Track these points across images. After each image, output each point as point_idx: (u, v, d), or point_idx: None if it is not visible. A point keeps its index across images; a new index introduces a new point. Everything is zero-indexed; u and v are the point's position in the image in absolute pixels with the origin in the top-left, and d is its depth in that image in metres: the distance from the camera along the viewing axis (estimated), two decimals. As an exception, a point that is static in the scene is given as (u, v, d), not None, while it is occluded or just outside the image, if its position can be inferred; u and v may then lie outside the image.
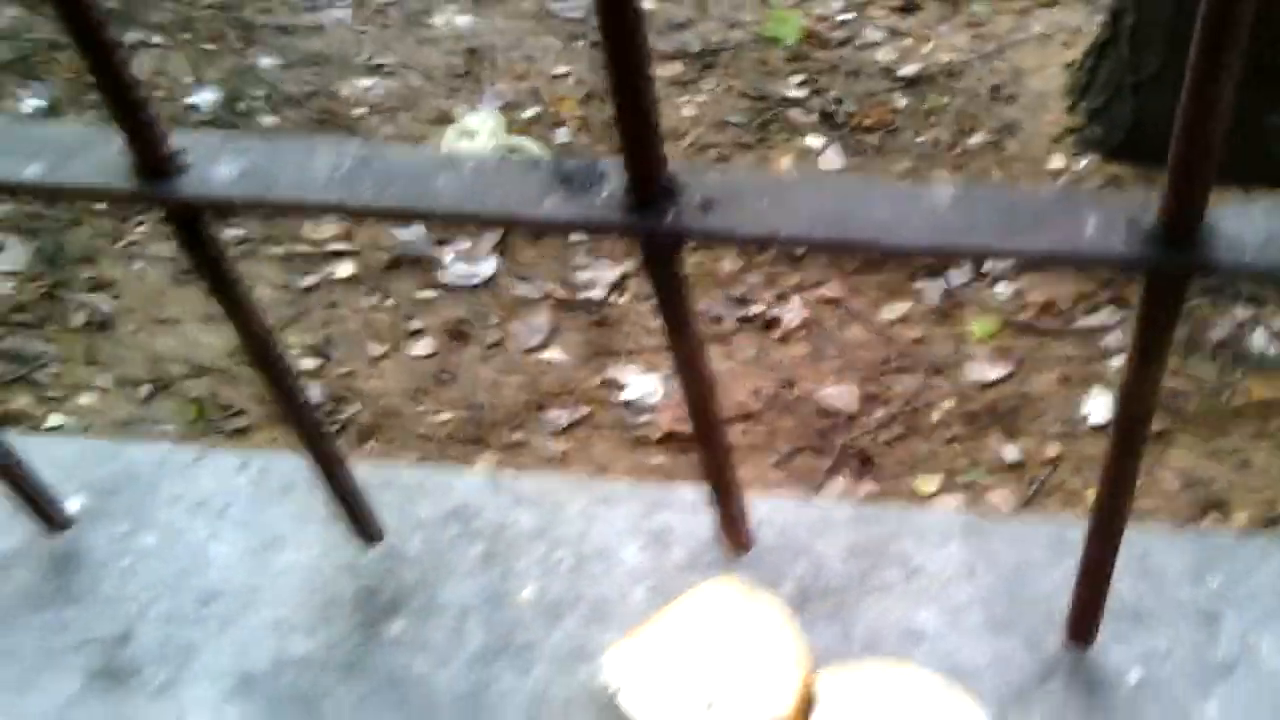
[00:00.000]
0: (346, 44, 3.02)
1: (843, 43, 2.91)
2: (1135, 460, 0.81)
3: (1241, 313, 2.47)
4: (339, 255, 2.67)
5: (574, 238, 2.68)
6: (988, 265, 2.57)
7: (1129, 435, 0.79)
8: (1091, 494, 0.89)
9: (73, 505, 1.10)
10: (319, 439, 0.95)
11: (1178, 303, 0.71)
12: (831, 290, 2.57)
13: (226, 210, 0.75)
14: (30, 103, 2.89)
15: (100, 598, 1.05)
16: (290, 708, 0.98)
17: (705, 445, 0.88)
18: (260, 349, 0.85)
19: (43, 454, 1.05)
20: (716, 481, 0.92)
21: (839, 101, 2.76)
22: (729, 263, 2.59)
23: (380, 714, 0.97)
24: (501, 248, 2.65)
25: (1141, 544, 1.03)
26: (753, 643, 0.97)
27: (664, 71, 2.86)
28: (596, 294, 2.62)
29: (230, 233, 2.61)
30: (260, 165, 0.75)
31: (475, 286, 2.62)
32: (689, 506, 1.08)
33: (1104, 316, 2.52)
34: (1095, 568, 0.91)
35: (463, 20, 3.05)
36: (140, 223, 2.70)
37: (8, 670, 1.00)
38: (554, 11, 3.08)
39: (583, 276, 2.64)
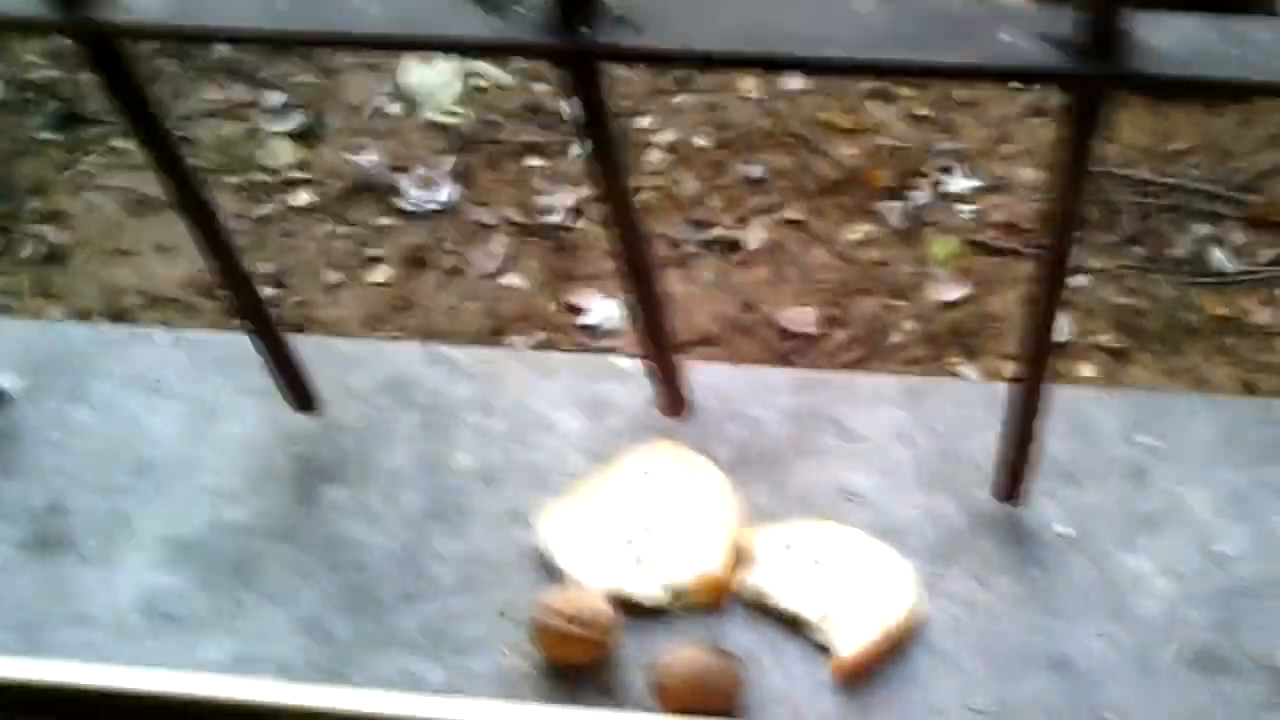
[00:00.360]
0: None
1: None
2: (1056, 297, 0.81)
3: (1200, 229, 2.48)
4: (296, 184, 2.65)
5: (532, 161, 2.66)
6: (951, 185, 2.57)
7: (1053, 267, 0.79)
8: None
9: (5, 382, 1.09)
10: (254, 304, 0.95)
11: (1099, 116, 0.71)
12: (793, 212, 2.57)
13: (145, 35, 0.74)
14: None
15: (32, 471, 1.04)
16: (225, 572, 0.98)
17: (637, 293, 0.88)
18: (188, 195, 0.85)
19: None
20: (649, 334, 0.92)
21: (800, 24, 2.76)
22: (689, 185, 2.59)
23: (315, 576, 0.97)
24: (460, 174, 2.63)
25: (1074, 405, 1.04)
26: (685, 503, 0.98)
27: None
28: (555, 218, 2.60)
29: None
30: (175, -6, 0.74)
31: (433, 213, 2.61)
32: (627, 376, 1.08)
33: (1063, 236, 2.53)
34: (1021, 422, 0.91)
35: (420, -54, 3.03)
36: (90, 152, 2.67)
37: (-60, 540, 1.00)
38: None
39: (542, 201, 2.62)
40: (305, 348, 1.04)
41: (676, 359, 0.97)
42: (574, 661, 0.91)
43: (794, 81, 2.76)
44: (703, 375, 1.06)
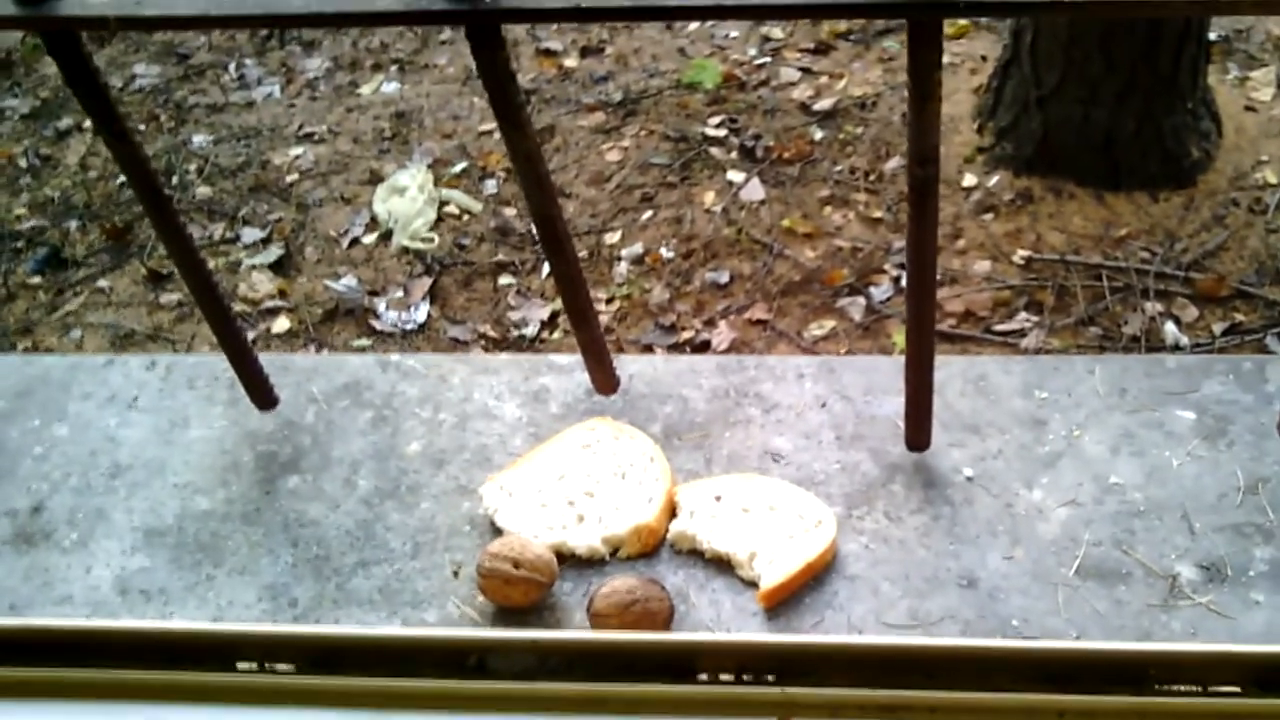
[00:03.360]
0: (278, 117, 3.15)
1: (760, 84, 3.05)
2: (932, 230, 0.91)
3: (1151, 307, 2.58)
4: (276, 312, 2.75)
5: (504, 279, 2.77)
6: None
7: (923, 195, 0.88)
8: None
9: (-8, 407, 1.17)
10: (222, 318, 1.04)
11: (937, 42, 0.81)
12: (758, 313, 2.67)
13: (100, 25, 0.85)
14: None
15: (14, 479, 1.12)
16: (193, 553, 1.05)
17: (555, 262, 0.97)
18: (146, 185, 0.94)
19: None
20: (573, 309, 1.00)
21: (757, 137, 2.89)
22: (658, 293, 2.69)
23: (277, 552, 1.04)
24: (434, 295, 2.74)
25: (979, 368, 1.12)
26: (621, 468, 1.06)
27: (587, 121, 2.99)
28: (529, 331, 2.70)
29: (168, 297, 2.70)
30: (130, -12, 0.85)
31: (409, 332, 2.71)
32: (564, 370, 1.16)
33: (1019, 321, 2.62)
34: (916, 373, 1.00)
35: (390, 87, 3.19)
36: (77, 293, 2.78)
37: (-71, 543, 1.07)
38: (478, 74, 3.23)
39: (514, 316, 2.73)
40: (268, 363, 1.13)
41: (602, 338, 1.06)
42: (518, 604, 0.97)
43: (754, 192, 2.89)
44: (634, 365, 1.15)
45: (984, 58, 3.06)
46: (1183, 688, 0.82)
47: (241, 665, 0.87)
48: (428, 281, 2.80)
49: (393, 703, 0.85)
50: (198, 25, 0.85)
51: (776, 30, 3.32)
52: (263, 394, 1.12)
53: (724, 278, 2.73)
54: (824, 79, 3.13)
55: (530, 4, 0.81)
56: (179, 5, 0.84)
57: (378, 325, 2.75)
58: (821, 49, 3.22)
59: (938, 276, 2.66)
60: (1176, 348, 2.51)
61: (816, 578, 0.98)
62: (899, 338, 2.65)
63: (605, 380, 1.10)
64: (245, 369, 1.10)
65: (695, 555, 1.01)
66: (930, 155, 0.86)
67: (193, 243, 1.00)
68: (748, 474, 1.05)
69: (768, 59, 3.21)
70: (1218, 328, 2.53)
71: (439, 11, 0.82)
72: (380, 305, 2.79)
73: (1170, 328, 2.55)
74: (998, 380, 1.11)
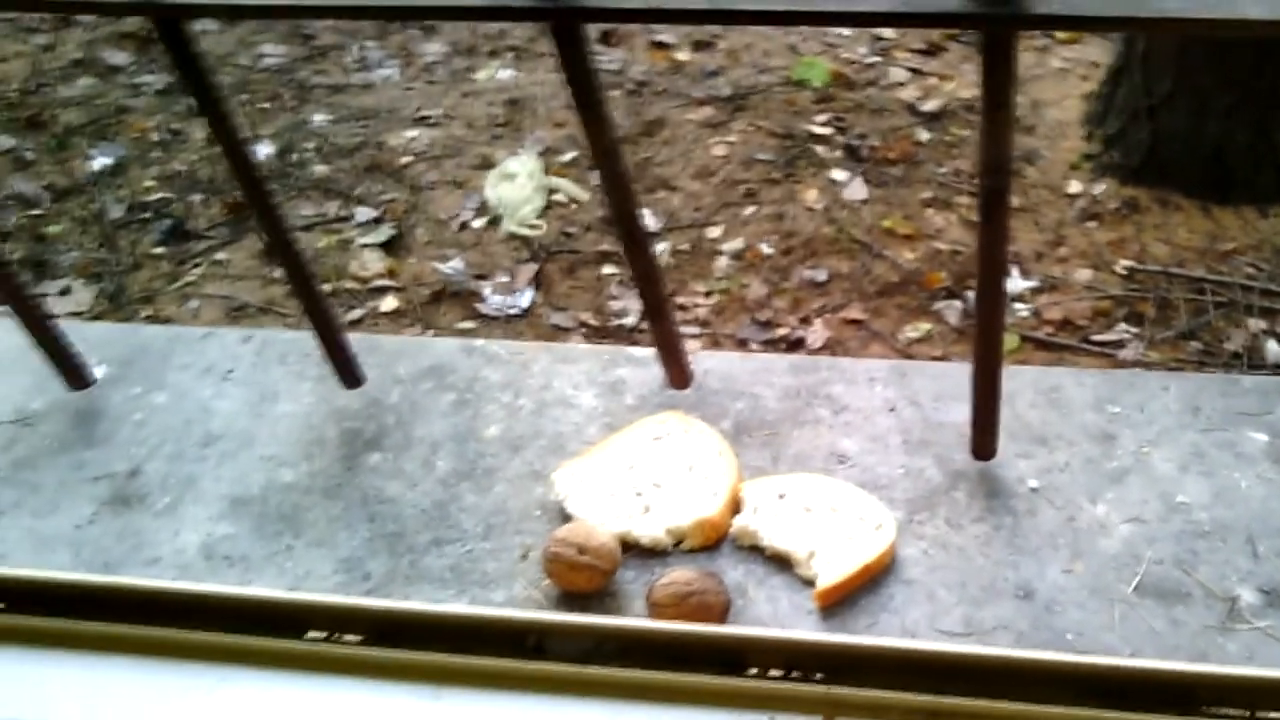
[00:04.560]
0: (395, 99, 3.22)
1: (868, 84, 3.06)
2: (1002, 240, 0.92)
3: (1255, 324, 2.54)
4: (384, 291, 2.82)
5: (606, 269, 2.81)
6: (1008, 285, 2.66)
7: (992, 205, 0.89)
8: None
9: (96, 373, 1.23)
10: (314, 299, 1.09)
11: (1009, 53, 0.82)
12: (854, 312, 2.67)
13: (207, 13, 0.89)
14: (100, 161, 3.11)
15: (115, 443, 1.17)
16: (274, 522, 1.09)
17: (631, 257, 0.99)
18: (244, 166, 0.99)
19: (68, 333, 1.19)
20: (649, 303, 1.03)
21: (863, 137, 2.90)
22: (756, 289, 2.71)
23: (355, 526, 1.08)
24: (539, 281, 2.78)
25: (1052, 379, 1.13)
26: (689, 461, 1.08)
27: (696, 115, 3.02)
28: (628, 321, 2.73)
29: (279, 271, 2.78)
30: (234, -19, 0.89)
31: (513, 317, 2.75)
32: (641, 363, 1.19)
33: (1119, 332, 2.60)
34: (984, 382, 1.01)
35: (505, 74, 3.25)
36: (197, 265, 2.87)
37: (33, 500, 1.13)
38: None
39: (614, 306, 2.76)
40: (357, 343, 1.17)
41: (678, 332, 1.08)
42: (581, 589, 1.00)
43: (856, 191, 2.89)
44: (709, 361, 1.17)
45: (1095, 64, 3.03)
46: (1231, 712, 0.83)
47: (312, 634, 0.91)
48: (533, 268, 2.84)
49: (452, 678, 0.88)
50: (299, 14, 0.89)
51: (888, 31, 3.31)
52: (349, 373, 1.16)
53: (822, 276, 2.74)
54: (932, 80, 3.12)
55: (611, 4, 0.83)
56: (279, -2, 0.88)
57: (482, 309, 2.79)
58: (932, 50, 3.21)
59: (1037, 283, 2.64)
60: (1278, 366, 2.47)
61: (874, 580, 0.99)
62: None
63: (679, 375, 1.12)
64: (333, 348, 1.14)
65: (756, 551, 1.03)
66: (1001, 165, 0.87)
67: (285, 224, 1.04)
68: (813, 474, 1.07)
69: (878, 58, 3.21)
70: (1321, 350, 2.48)
71: (522, 9, 0.85)
72: (486, 289, 2.84)
73: (1273, 345, 2.51)
74: (1070, 393, 1.12)
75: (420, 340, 1.23)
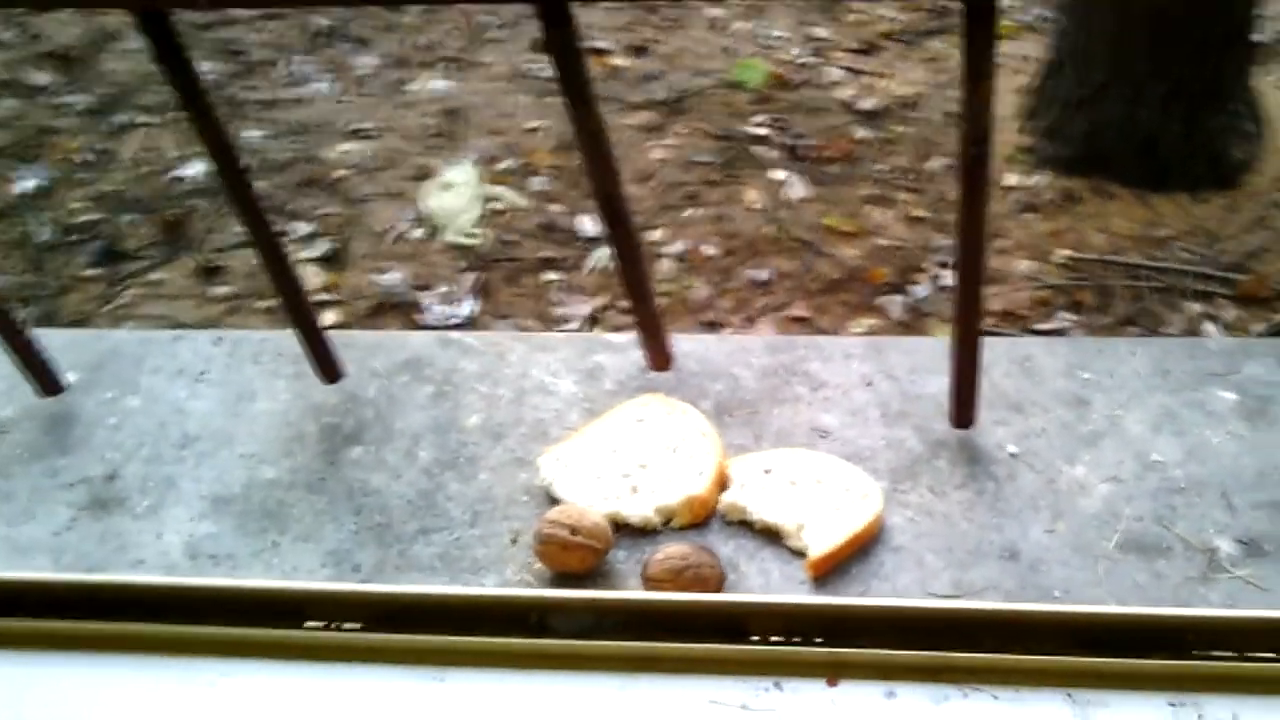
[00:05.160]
0: (328, 113, 3.21)
1: (805, 84, 3.09)
2: (982, 209, 0.93)
3: (1192, 308, 2.59)
4: (324, 305, 2.80)
5: (549, 275, 2.81)
6: (949, 278, 2.69)
7: (974, 173, 0.91)
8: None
9: (66, 380, 1.21)
10: (292, 292, 1.08)
11: (991, 23, 0.84)
12: (799, 310, 2.70)
13: (189, 4, 0.89)
14: (25, 184, 3.07)
15: (90, 448, 1.16)
16: (258, 520, 1.09)
17: (615, 236, 1.00)
18: (228, 161, 0.99)
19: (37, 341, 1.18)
20: (631, 283, 1.04)
21: (801, 136, 2.93)
22: (700, 290, 2.72)
23: (340, 519, 1.08)
24: (480, 290, 2.78)
25: (1024, 349, 1.15)
26: (673, 442, 1.09)
27: (634, 120, 3.03)
28: (573, 327, 2.74)
29: (218, 290, 2.75)
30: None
31: (455, 327, 2.75)
32: (619, 348, 1.20)
33: (1060, 320, 2.64)
34: (964, 350, 1.03)
35: (440, 84, 3.25)
36: (130, 285, 2.84)
37: (7, 508, 1.11)
38: (526, 72, 3.28)
39: (558, 312, 2.77)
40: (333, 339, 1.17)
41: (659, 315, 1.09)
42: (574, 570, 1.01)
43: (797, 190, 2.92)
44: (686, 344, 1.18)
45: (1028, 58, 3.08)
46: (1220, 653, 0.85)
47: (309, 624, 0.91)
48: (474, 277, 2.84)
49: (456, 659, 0.89)
50: (283, 3, 0.89)
51: (823, 30, 3.35)
52: (330, 367, 1.16)
53: (765, 275, 2.76)
54: (869, 79, 3.16)
55: (595, -13, 0.84)
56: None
57: (424, 320, 2.79)
58: (867, 49, 3.25)
59: (980, 274, 2.68)
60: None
61: (863, 549, 1.01)
62: (939, 335, 2.67)
63: (660, 357, 1.13)
64: (314, 341, 1.14)
65: (745, 526, 1.04)
66: (983, 135, 0.89)
67: (266, 217, 1.04)
68: (796, 449, 1.08)
69: (814, 59, 3.25)
70: (1257, 328, 2.54)
71: (509, -6, 0.85)
72: (427, 300, 2.83)
73: (1211, 328, 2.56)
74: (1042, 361, 1.14)
75: (395, 335, 1.23)
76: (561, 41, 0.88)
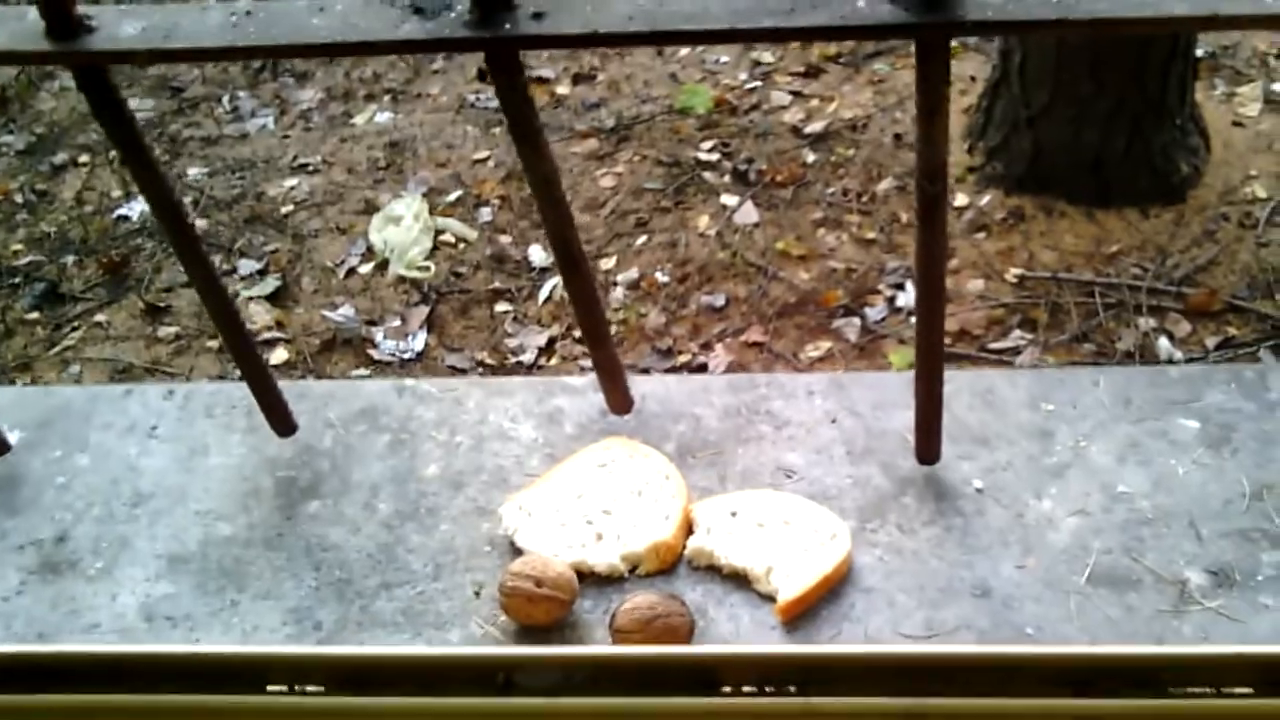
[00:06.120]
0: (271, 149, 3.17)
1: (751, 109, 3.09)
2: (941, 242, 0.93)
3: (1145, 323, 2.60)
4: (274, 343, 2.77)
5: (501, 306, 2.79)
6: (902, 299, 2.70)
7: (931, 210, 0.91)
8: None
9: (10, 439, 1.18)
10: (243, 344, 1.06)
11: (943, 59, 0.83)
12: (754, 335, 2.69)
13: (128, 59, 0.87)
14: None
15: (38, 509, 1.13)
16: (216, 578, 1.06)
17: (569, 281, 0.99)
18: (172, 216, 0.96)
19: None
20: (586, 323, 1.02)
21: (750, 161, 2.93)
22: (654, 318, 2.71)
23: (299, 576, 1.06)
24: (431, 323, 2.76)
25: (985, 382, 1.14)
26: (637, 486, 1.07)
27: (581, 148, 3.02)
28: (526, 358, 2.72)
29: (165, 330, 2.71)
30: (159, 24, 0.87)
31: (407, 361, 2.72)
32: (577, 391, 1.18)
33: (1014, 339, 2.65)
34: (926, 386, 1.02)
35: (384, 117, 3.22)
36: (75, 328, 2.79)
37: (-46, 574, 1.08)
38: (471, 103, 3.26)
39: (512, 343, 2.75)
40: (287, 390, 1.15)
41: (617, 357, 1.08)
42: (540, 623, 0.99)
43: (747, 215, 2.92)
44: (646, 385, 1.17)
45: (973, 78, 3.09)
46: (1196, 690, 0.84)
47: (271, 688, 0.89)
48: (425, 310, 2.81)
49: (422, 720, 0.87)
50: (225, 57, 0.88)
51: (767, 55, 3.35)
52: (283, 420, 1.13)
53: (720, 301, 2.75)
54: (815, 102, 3.16)
55: (549, 31, 0.83)
56: (205, 38, 0.86)
57: (376, 354, 2.76)
58: (812, 72, 3.26)
59: (932, 295, 2.69)
60: (1170, 362, 2.53)
61: (833, 590, 1.00)
62: (895, 357, 2.67)
63: (620, 400, 1.12)
64: (265, 395, 1.11)
65: (713, 571, 1.02)
66: (939, 171, 0.88)
67: (214, 269, 1.01)
68: (762, 490, 1.07)
69: (758, 83, 3.25)
70: (1211, 342, 2.55)
71: (461, 39, 0.84)
72: (378, 334, 2.80)
73: (1164, 343, 2.57)
74: (1004, 393, 1.14)
75: (350, 383, 1.21)
76: (510, 88, 0.86)
